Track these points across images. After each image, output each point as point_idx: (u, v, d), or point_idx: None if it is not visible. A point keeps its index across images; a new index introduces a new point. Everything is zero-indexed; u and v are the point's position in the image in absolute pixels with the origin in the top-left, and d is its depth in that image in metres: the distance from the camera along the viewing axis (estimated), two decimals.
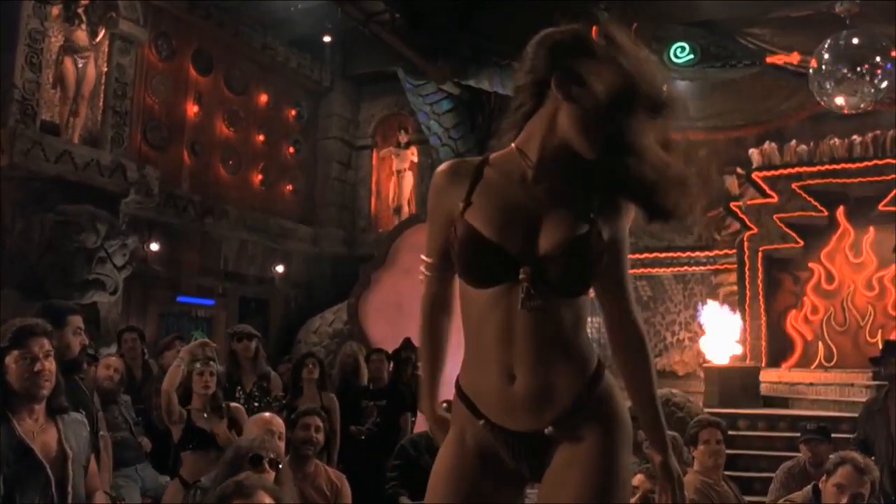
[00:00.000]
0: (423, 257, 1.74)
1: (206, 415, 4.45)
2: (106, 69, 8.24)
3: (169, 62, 9.64)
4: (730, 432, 8.35)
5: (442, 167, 1.72)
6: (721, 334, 10.89)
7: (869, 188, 10.68)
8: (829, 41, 8.69)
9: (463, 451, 1.68)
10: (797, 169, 10.98)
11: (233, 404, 4.65)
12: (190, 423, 4.53)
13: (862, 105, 8.83)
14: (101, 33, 8.18)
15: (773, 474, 5.28)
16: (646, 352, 1.71)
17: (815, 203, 10.99)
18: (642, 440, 4.93)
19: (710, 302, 11.27)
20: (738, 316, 11.08)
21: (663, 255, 12.59)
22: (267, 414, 3.68)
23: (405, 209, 12.14)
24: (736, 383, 9.69)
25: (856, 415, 8.29)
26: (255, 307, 10.76)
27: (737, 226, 11.72)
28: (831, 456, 3.49)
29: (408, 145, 12.50)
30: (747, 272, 11.47)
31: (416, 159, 12.39)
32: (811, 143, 11.05)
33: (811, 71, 8.90)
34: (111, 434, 4.75)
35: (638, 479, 3.43)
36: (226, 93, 10.59)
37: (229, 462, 2.86)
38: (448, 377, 1.82)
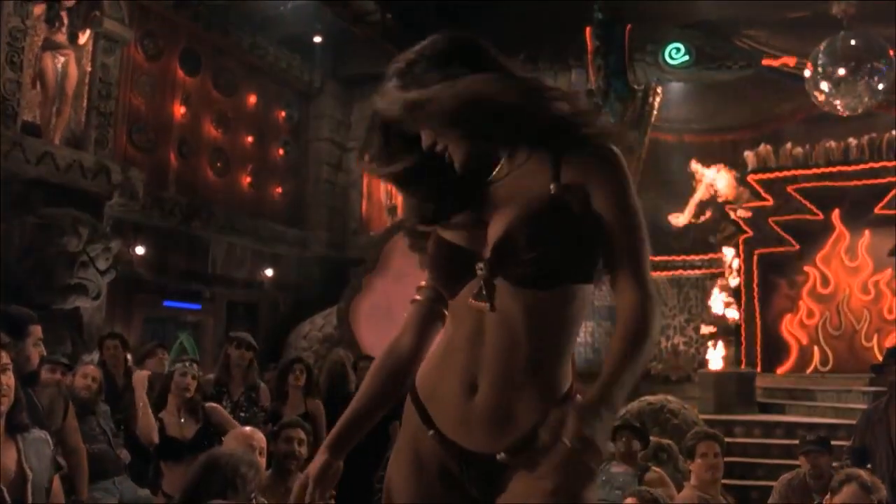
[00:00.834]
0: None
1: (182, 419, 4.30)
2: (90, 69, 8.06)
3: (155, 62, 9.47)
4: (726, 439, 8.25)
5: None
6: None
7: (865, 191, 10.60)
8: (825, 43, 8.61)
9: (418, 463, 1.52)
10: (793, 172, 10.88)
11: (210, 404, 4.50)
12: (163, 433, 4.38)
13: (859, 107, 8.73)
14: (86, 34, 8.00)
15: (769, 483, 5.12)
16: (640, 345, 1.40)
17: (811, 206, 10.90)
18: (637, 450, 4.80)
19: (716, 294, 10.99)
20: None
21: (658, 258, 12.45)
22: (248, 428, 3.52)
23: (400, 210, 11.99)
24: (732, 389, 9.57)
25: (854, 422, 8.22)
26: (244, 312, 10.59)
27: (731, 229, 11.63)
28: (836, 474, 3.34)
29: None
30: (742, 276, 11.36)
31: None
32: (807, 146, 10.96)
33: (807, 73, 8.81)
34: (88, 446, 4.58)
35: (630, 501, 3.27)
36: (214, 94, 10.43)
37: (201, 475, 2.66)
38: None
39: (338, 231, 12.29)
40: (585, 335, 13.63)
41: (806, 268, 11.37)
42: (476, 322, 1.43)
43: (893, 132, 10.36)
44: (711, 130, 11.57)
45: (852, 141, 10.66)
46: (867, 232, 10.92)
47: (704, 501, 3.84)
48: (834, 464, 4.63)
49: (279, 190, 11.59)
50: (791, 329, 11.54)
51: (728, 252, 11.13)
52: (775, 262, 11.41)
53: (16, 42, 7.22)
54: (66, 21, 7.80)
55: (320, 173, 12.22)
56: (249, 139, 11.01)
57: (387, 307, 9.31)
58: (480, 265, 1.41)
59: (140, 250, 8.80)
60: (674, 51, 9.12)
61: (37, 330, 3.26)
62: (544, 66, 9.95)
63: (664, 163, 12.12)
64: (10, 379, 2.50)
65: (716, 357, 10.51)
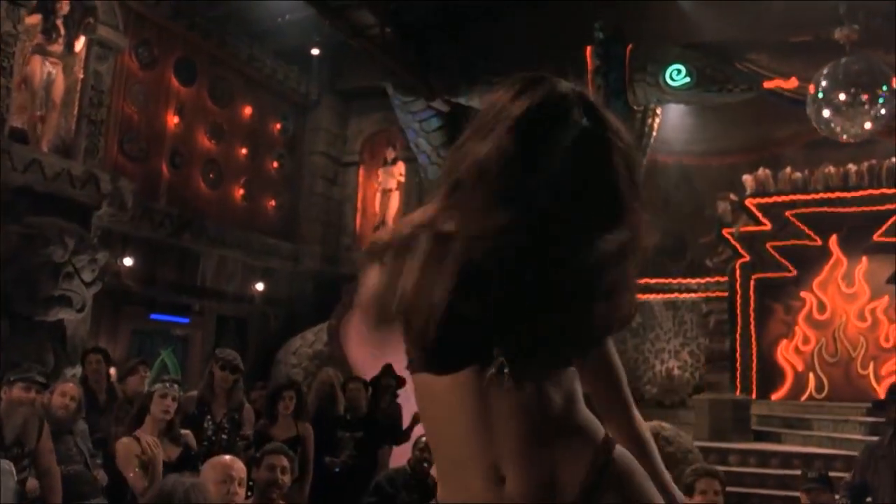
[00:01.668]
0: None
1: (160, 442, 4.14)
2: (82, 76, 7.93)
3: (150, 71, 9.34)
4: (720, 468, 8.09)
5: None
6: None
7: (864, 217, 10.52)
8: (828, 68, 8.52)
9: None
10: (791, 196, 10.81)
11: (184, 431, 4.34)
12: None
13: (860, 133, 8.64)
14: (80, 42, 7.87)
15: None
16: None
17: (809, 231, 10.82)
18: None
19: None
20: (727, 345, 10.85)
21: (654, 280, 12.35)
22: (227, 457, 3.36)
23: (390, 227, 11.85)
24: (727, 416, 9.43)
25: (850, 453, 8.08)
26: (234, 326, 10.41)
27: (729, 253, 11.53)
28: None
29: (395, 161, 12.25)
30: (739, 300, 11.26)
31: (403, 178, 12.14)
32: (806, 171, 10.89)
33: (809, 97, 8.72)
34: (63, 467, 4.42)
35: None
36: (209, 104, 10.30)
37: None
38: None
39: (331, 246, 12.14)
40: None
41: (803, 293, 11.28)
42: (477, 405, 1.23)
43: (893, 159, 10.29)
44: (710, 153, 11.49)
45: (852, 167, 10.59)
46: (865, 259, 10.84)
47: None
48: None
49: (272, 203, 11.44)
50: (786, 355, 11.43)
51: None
52: (772, 287, 11.32)
53: (7, 47, 7.09)
54: (62, 32, 7.67)
55: (315, 187, 12.08)
56: (244, 151, 10.88)
57: None
58: (500, 350, 1.20)
59: (128, 262, 8.63)
60: (675, 72, 9.03)
61: None
62: None
63: (662, 185, 12.03)
64: None
65: None
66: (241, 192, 10.80)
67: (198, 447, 5.08)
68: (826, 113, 8.69)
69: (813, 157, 10.92)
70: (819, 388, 11.13)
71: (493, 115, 1.25)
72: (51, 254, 6.80)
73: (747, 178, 11.11)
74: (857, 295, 11.07)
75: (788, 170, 10.97)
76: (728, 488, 7.34)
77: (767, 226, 10.95)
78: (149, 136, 9.30)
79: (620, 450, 1.32)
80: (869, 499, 4.71)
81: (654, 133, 10.46)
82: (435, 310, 1.22)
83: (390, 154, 12.32)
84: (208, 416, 5.26)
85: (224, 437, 5.21)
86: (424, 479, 5.00)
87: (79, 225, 7.31)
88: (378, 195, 12.36)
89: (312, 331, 10.32)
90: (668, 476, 1.41)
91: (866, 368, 10.97)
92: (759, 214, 10.99)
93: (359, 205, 12.46)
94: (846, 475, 6.78)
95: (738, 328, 11.28)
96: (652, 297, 12.58)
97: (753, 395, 10.65)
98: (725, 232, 11.32)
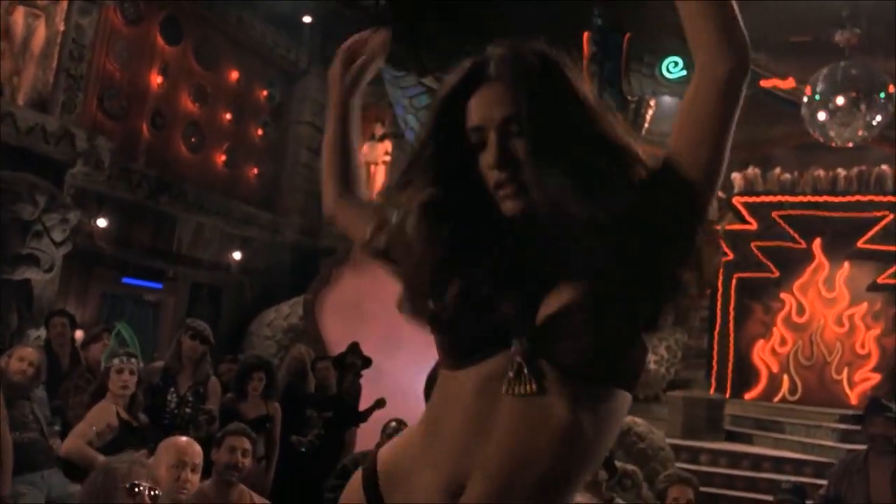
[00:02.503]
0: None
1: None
2: (63, 28, 7.64)
3: (134, 27, 9.04)
4: (691, 466, 8.07)
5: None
6: None
7: (849, 223, 10.50)
8: (826, 70, 8.41)
9: None
10: (779, 197, 10.75)
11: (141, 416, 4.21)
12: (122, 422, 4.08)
13: (853, 139, 8.55)
14: None
15: None
16: None
17: (794, 233, 10.78)
18: (604, 479, 4.56)
19: None
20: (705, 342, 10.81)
21: None
22: (183, 440, 3.21)
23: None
24: (700, 414, 9.40)
25: (821, 459, 8.08)
26: (207, 294, 10.21)
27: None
28: None
29: (382, 138, 12.05)
30: (720, 298, 11.21)
31: (389, 155, 11.95)
32: (795, 173, 10.83)
33: (805, 99, 8.61)
34: (17, 434, 4.25)
35: None
36: (194, 66, 10.02)
37: (99, 488, 2.37)
38: None
39: (312, 218, 11.92)
40: None
41: (783, 295, 11.27)
42: (484, 408, 1.06)
43: (883, 167, 10.24)
44: None
45: (841, 172, 10.54)
46: (847, 264, 10.83)
47: None
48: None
49: (255, 171, 11.21)
50: (762, 356, 11.43)
51: None
52: (753, 287, 11.29)
53: None
54: None
55: (299, 157, 11.86)
56: (227, 116, 10.62)
57: (355, 302, 9.00)
58: (519, 340, 1.05)
59: (102, 223, 8.39)
60: (671, 64, 8.87)
61: None
62: None
63: None
64: None
65: None
66: (223, 157, 10.56)
67: (160, 420, 4.94)
68: (821, 116, 8.59)
69: (804, 159, 10.86)
70: (792, 390, 11.16)
71: None
72: (20, 211, 6.56)
73: (736, 176, 11.03)
74: (836, 300, 11.07)
75: (778, 170, 10.90)
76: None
77: (753, 225, 10.90)
78: (130, 95, 9.03)
79: None
80: None
81: (647, 124, 10.33)
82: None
83: (378, 130, 12.11)
84: (172, 389, 5.12)
85: (188, 410, 5.07)
86: None
87: (51, 182, 7.06)
88: (362, 169, 12.15)
89: (288, 303, 10.15)
90: None
91: (840, 374, 11.00)
92: (745, 213, 10.93)
93: None
94: (815, 481, 6.77)
95: (717, 326, 11.26)
96: None
97: (728, 394, 10.65)
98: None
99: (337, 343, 7.99)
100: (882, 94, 8.28)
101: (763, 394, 11.13)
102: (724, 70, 1.08)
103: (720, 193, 11.37)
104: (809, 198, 10.70)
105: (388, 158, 12.00)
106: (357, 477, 1.23)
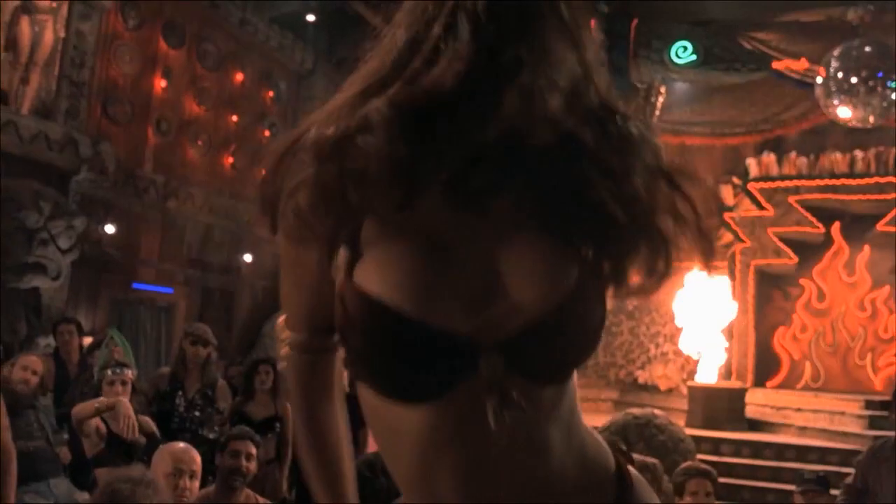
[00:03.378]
0: (281, 323, 1.12)
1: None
2: (64, 35, 7.59)
3: (136, 32, 8.99)
4: (712, 458, 7.92)
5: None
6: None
7: (868, 206, 10.31)
8: (839, 49, 8.23)
9: None
10: (795, 182, 10.58)
11: (144, 418, 4.13)
12: (111, 434, 4.00)
13: (870, 119, 8.36)
14: None
15: None
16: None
17: (812, 218, 10.60)
18: None
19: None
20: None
21: None
22: (180, 445, 3.12)
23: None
24: (721, 404, 9.24)
25: (846, 446, 7.90)
26: (219, 298, 10.16)
27: (729, 237, 11.30)
28: None
29: None
30: (737, 286, 11.04)
31: None
32: (811, 156, 10.64)
33: (819, 80, 8.42)
34: (23, 443, 4.19)
35: None
36: (198, 69, 9.96)
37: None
38: None
39: None
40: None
41: (802, 281, 11.10)
42: (474, 447, 0.85)
43: None
44: (714, 134, 11.21)
45: (858, 153, 10.34)
46: (867, 248, 10.65)
47: None
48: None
49: (263, 172, 11.14)
50: (783, 343, 11.27)
51: None
52: (772, 274, 11.13)
53: None
54: None
55: None
56: (234, 118, 10.56)
57: None
58: (488, 362, 0.83)
59: (110, 229, 8.35)
60: (680, 49, 8.71)
61: None
62: None
63: None
64: None
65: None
66: (231, 160, 10.50)
67: (169, 424, 4.89)
68: (835, 97, 8.41)
69: (819, 141, 10.67)
70: (815, 377, 10.99)
71: None
72: (24, 219, 6.53)
73: (751, 162, 10.86)
74: (857, 284, 10.88)
75: (794, 154, 10.72)
76: (720, 479, 7.17)
77: (770, 211, 10.73)
78: (134, 100, 8.97)
79: (638, 480, 0.98)
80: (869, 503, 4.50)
81: (658, 112, 10.17)
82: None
83: None
84: (180, 393, 5.06)
85: (196, 413, 5.02)
86: None
87: (56, 190, 7.03)
88: None
89: None
90: None
91: (864, 359, 10.82)
92: (761, 199, 10.76)
93: None
94: (841, 469, 6.61)
95: (736, 314, 11.09)
96: None
97: (749, 383, 10.49)
98: (727, 216, 11.08)
99: None
100: None
101: (785, 381, 10.96)
102: None
103: (735, 180, 11.19)
104: (826, 181, 10.51)
105: None
106: None
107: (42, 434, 4.48)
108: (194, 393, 5.10)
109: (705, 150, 11.72)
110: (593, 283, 0.90)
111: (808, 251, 10.79)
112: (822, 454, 7.95)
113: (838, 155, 10.43)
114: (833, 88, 8.21)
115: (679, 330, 10.86)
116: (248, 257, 10.40)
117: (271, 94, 11.29)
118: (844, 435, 8.34)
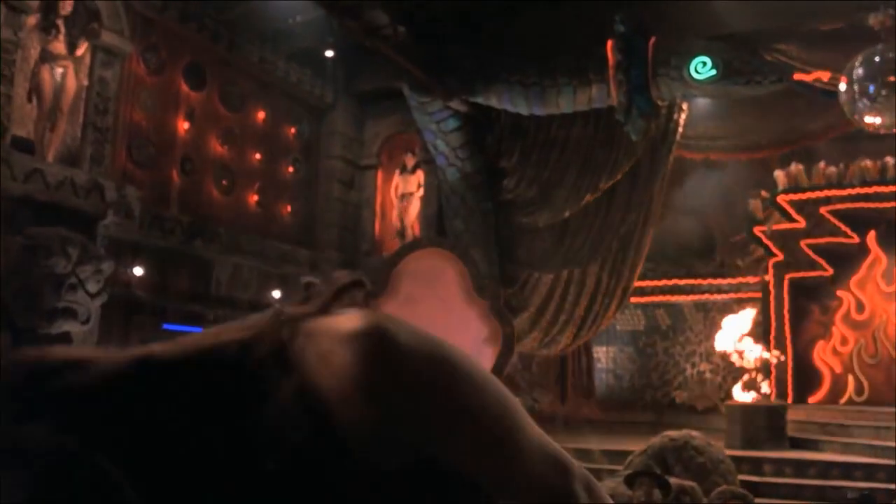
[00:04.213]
0: None
1: None
2: (87, 83, 7.75)
3: (158, 76, 9.15)
4: (754, 478, 7.72)
5: None
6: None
7: None
8: (862, 56, 8.07)
9: None
10: (826, 192, 10.40)
11: None
12: None
13: None
14: (83, 46, 7.71)
15: None
16: None
17: (845, 228, 10.40)
18: (658, 500, 4.31)
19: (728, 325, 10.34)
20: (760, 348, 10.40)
21: (683, 282, 11.98)
22: None
23: (409, 233, 11.60)
24: (761, 423, 9.00)
25: (894, 462, 7.64)
26: None
27: (761, 252, 11.12)
28: None
29: (414, 169, 11.98)
30: (773, 301, 10.84)
31: (422, 182, 11.86)
32: (841, 165, 10.47)
33: (842, 87, 8.27)
34: None
35: None
36: (220, 109, 10.10)
37: None
38: None
39: (349, 251, 11.90)
40: (607, 361, 13.11)
41: (839, 293, 10.86)
42: None
43: None
44: (739, 148, 11.07)
45: (889, 160, 10.15)
46: None
47: None
48: None
49: (288, 209, 11.22)
50: (823, 357, 11.01)
51: None
52: (807, 287, 10.91)
53: (7, 55, 6.93)
54: (62, 30, 7.52)
55: (332, 191, 11.85)
56: (257, 156, 10.67)
57: None
58: None
59: (139, 271, 8.44)
60: (700, 65, 8.61)
61: None
62: (563, 82, 9.50)
63: (689, 182, 11.62)
64: None
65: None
66: (256, 197, 10.59)
67: None
68: (861, 104, 8.24)
69: (848, 150, 10.48)
70: (859, 390, 10.71)
71: None
72: (53, 265, 6.61)
73: (779, 174, 10.71)
74: None
75: (822, 164, 10.55)
76: (762, 500, 6.96)
77: (801, 223, 10.54)
78: (158, 143, 9.12)
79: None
80: None
81: (681, 129, 10.06)
82: None
83: (410, 160, 12.04)
84: None
85: None
86: None
87: (83, 235, 7.11)
88: (396, 200, 12.09)
89: None
90: None
91: None
92: (792, 211, 10.58)
93: (377, 209, 12.20)
94: (890, 486, 6.38)
95: (772, 330, 10.88)
96: (681, 298, 12.18)
97: (789, 400, 10.24)
98: (757, 230, 10.91)
99: None
100: None
101: (827, 397, 10.70)
102: None
103: (764, 193, 11.01)
104: (858, 190, 10.33)
105: (421, 190, 11.88)
106: None
107: None
108: None
109: (731, 165, 11.57)
110: None
111: (844, 262, 10.58)
112: (869, 471, 7.69)
113: (868, 162, 10.25)
114: (857, 95, 8.05)
115: (715, 350, 10.67)
116: (276, 294, 10.44)
117: (293, 130, 11.40)
118: (892, 450, 8.06)
